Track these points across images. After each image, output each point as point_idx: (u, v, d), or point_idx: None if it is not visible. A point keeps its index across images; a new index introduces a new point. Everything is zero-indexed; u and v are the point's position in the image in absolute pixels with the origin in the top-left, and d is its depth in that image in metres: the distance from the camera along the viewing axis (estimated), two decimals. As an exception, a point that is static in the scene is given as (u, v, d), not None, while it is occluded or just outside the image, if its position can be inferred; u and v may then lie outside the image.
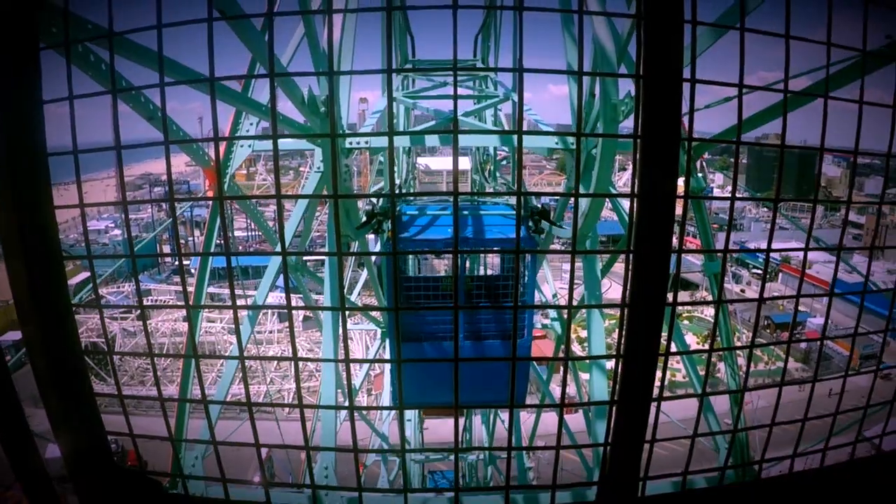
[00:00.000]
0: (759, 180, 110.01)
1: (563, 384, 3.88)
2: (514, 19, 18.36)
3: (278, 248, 10.47)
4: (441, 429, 32.67)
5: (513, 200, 12.97)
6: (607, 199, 9.76)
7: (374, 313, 17.94)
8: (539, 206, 10.57)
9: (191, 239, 78.97)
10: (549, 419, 18.74)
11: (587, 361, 9.47)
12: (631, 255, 3.32)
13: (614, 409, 3.72)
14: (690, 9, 3.17)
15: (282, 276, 10.90)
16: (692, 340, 60.34)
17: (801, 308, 62.23)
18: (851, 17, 4.14)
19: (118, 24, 4.05)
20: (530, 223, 10.70)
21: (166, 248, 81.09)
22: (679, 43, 3.14)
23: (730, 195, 4.06)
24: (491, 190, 18.58)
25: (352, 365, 3.98)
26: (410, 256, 13.21)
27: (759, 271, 77.65)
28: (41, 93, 3.80)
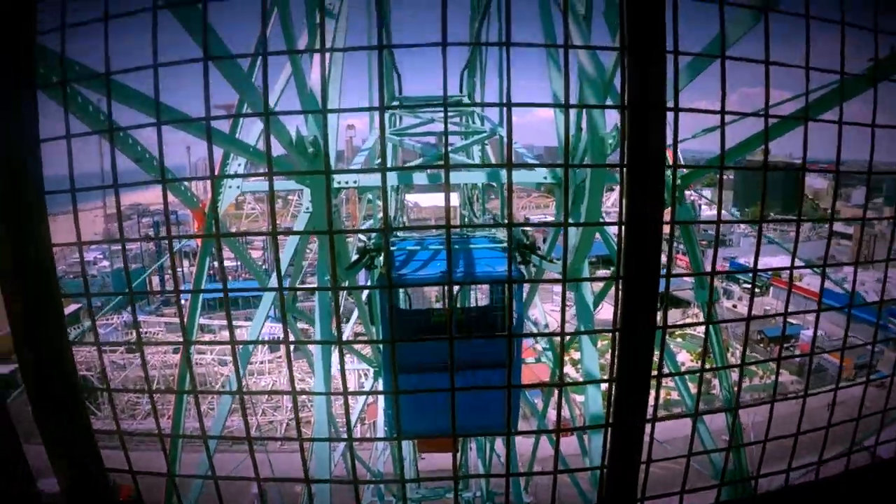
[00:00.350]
0: (746, 195, 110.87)
1: (559, 409, 3.93)
2: (500, 54, 18.79)
3: (272, 282, 10.60)
4: (437, 465, 32.51)
5: (500, 233, 13.19)
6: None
7: (366, 352, 18.00)
8: (526, 239, 10.76)
9: (180, 269, 78.77)
10: (544, 446, 18.76)
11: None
12: (620, 282, 3.40)
13: (609, 431, 3.78)
14: (672, 40, 3.28)
15: (273, 307, 11.01)
16: (685, 357, 60.52)
17: (793, 321, 62.65)
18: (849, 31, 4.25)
19: (101, 63, 4.12)
20: (517, 255, 10.92)
21: (154, 279, 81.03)
22: (661, 72, 3.24)
23: (717, 214, 4.15)
24: (487, 219, 18.71)
25: (350, 399, 4.02)
26: (402, 290, 13.32)
27: (749, 285, 77.87)
28: (38, 130, 3.85)
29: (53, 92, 4.66)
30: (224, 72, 5.55)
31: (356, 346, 17.21)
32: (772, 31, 3.98)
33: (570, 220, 9.36)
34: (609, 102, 7.79)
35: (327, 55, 7.44)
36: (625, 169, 3.25)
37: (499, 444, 24.19)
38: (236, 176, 9.52)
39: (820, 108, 6.08)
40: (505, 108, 3.35)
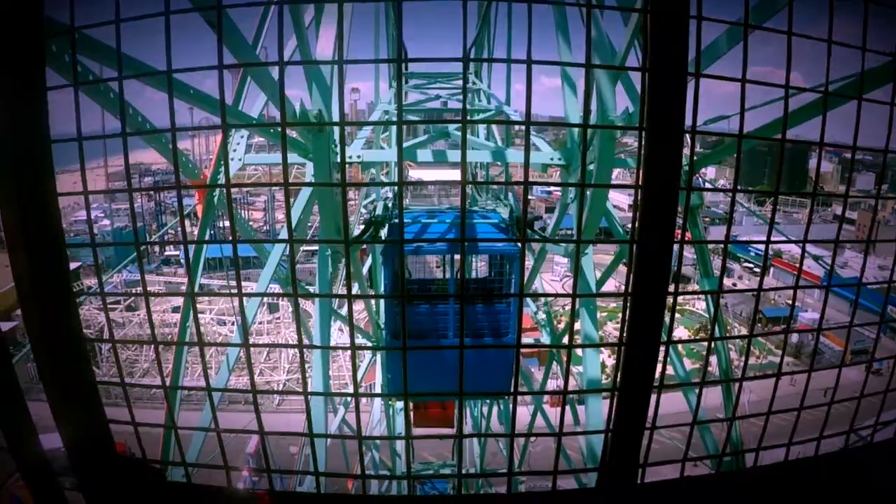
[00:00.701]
0: (751, 175, 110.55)
1: (567, 371, 3.92)
2: (508, 19, 18.77)
3: (276, 247, 10.56)
4: (431, 444, 33.15)
5: (501, 209, 13.29)
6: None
7: (365, 326, 18.05)
8: (529, 215, 10.83)
9: (179, 228, 78.36)
10: (539, 420, 18.98)
11: (579, 355, 9.61)
12: (634, 246, 3.37)
13: (616, 396, 3.78)
14: (696, 5, 3.23)
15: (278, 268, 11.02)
16: (684, 334, 60.72)
17: (791, 302, 62.97)
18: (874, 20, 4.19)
19: (109, 34, 4.06)
20: (516, 231, 11.04)
21: (155, 238, 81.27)
22: (684, 36, 3.18)
23: (733, 183, 4.10)
24: (484, 200, 18.76)
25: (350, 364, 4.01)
26: (406, 261, 13.39)
27: (751, 265, 78.44)
28: (45, 81, 3.80)
29: (60, 51, 4.59)
30: (229, 42, 5.50)
31: (354, 322, 17.16)
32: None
33: (580, 197, 9.46)
34: (620, 87, 7.78)
35: (334, 17, 7.32)
36: (644, 132, 3.21)
37: (494, 422, 24.42)
38: (247, 126, 9.35)
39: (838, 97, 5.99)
40: (510, 80, 3.31)
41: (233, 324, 54.67)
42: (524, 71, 3.43)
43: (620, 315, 3.71)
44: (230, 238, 3.75)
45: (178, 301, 56.43)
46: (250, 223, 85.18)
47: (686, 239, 3.72)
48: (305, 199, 9.78)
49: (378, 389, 23.84)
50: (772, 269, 74.45)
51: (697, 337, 54.54)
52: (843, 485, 4.87)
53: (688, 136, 3.29)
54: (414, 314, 10.57)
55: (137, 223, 5.11)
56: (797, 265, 10.55)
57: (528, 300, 19.77)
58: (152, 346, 4.04)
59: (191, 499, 4.67)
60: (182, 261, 73.96)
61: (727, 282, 72.53)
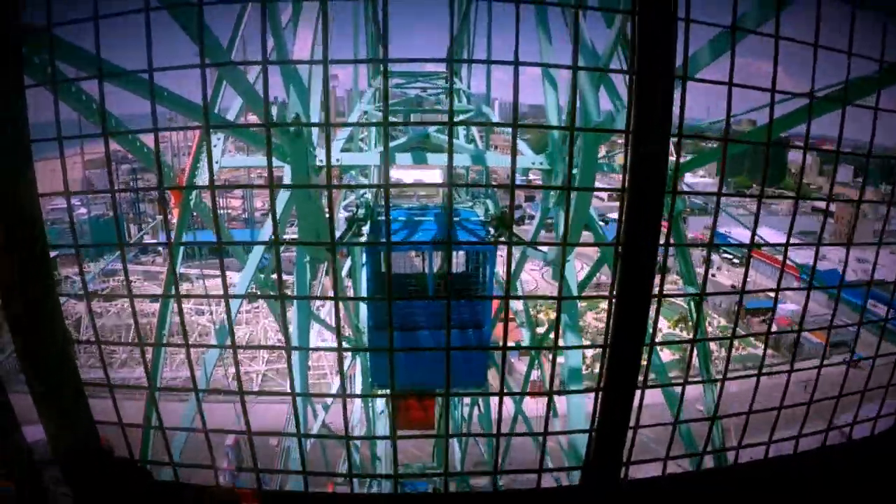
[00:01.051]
0: (731, 169, 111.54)
1: (552, 371, 3.95)
2: (489, 18, 18.78)
3: (262, 237, 10.48)
4: (413, 442, 33.22)
5: (478, 207, 13.38)
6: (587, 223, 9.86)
7: (346, 331, 18.05)
8: (500, 213, 10.84)
9: (160, 217, 77.26)
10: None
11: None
12: (620, 248, 3.39)
13: (600, 396, 3.81)
14: (685, 7, 3.25)
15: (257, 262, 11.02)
16: (662, 324, 60.96)
17: (772, 295, 63.43)
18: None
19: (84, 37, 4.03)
20: (491, 230, 11.14)
21: (132, 227, 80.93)
22: (672, 38, 3.20)
23: (718, 186, 4.12)
24: (467, 199, 18.90)
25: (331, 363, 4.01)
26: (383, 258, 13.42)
27: (729, 256, 79.25)
28: (22, 78, 3.74)
29: (32, 53, 4.52)
30: (208, 53, 5.50)
31: (331, 322, 17.18)
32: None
33: (566, 201, 9.55)
34: (603, 91, 7.86)
35: (312, 15, 7.27)
36: (630, 135, 3.23)
37: (475, 425, 24.57)
38: (229, 126, 9.24)
39: (826, 106, 6.03)
40: (489, 77, 3.32)
41: (211, 313, 54.07)
42: (506, 62, 3.44)
43: (605, 312, 3.74)
44: (210, 232, 3.72)
45: (155, 288, 55.80)
46: (229, 210, 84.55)
47: (670, 242, 3.74)
48: (284, 202, 9.72)
49: (358, 383, 23.82)
50: (751, 262, 75.15)
51: (679, 338, 54.73)
52: (822, 481, 4.94)
53: (674, 140, 3.33)
54: (404, 308, 10.56)
55: (116, 212, 5.05)
56: (777, 258, 10.67)
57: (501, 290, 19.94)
58: (152, 345, 3.98)
59: (175, 497, 4.65)
60: (160, 249, 73.41)
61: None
